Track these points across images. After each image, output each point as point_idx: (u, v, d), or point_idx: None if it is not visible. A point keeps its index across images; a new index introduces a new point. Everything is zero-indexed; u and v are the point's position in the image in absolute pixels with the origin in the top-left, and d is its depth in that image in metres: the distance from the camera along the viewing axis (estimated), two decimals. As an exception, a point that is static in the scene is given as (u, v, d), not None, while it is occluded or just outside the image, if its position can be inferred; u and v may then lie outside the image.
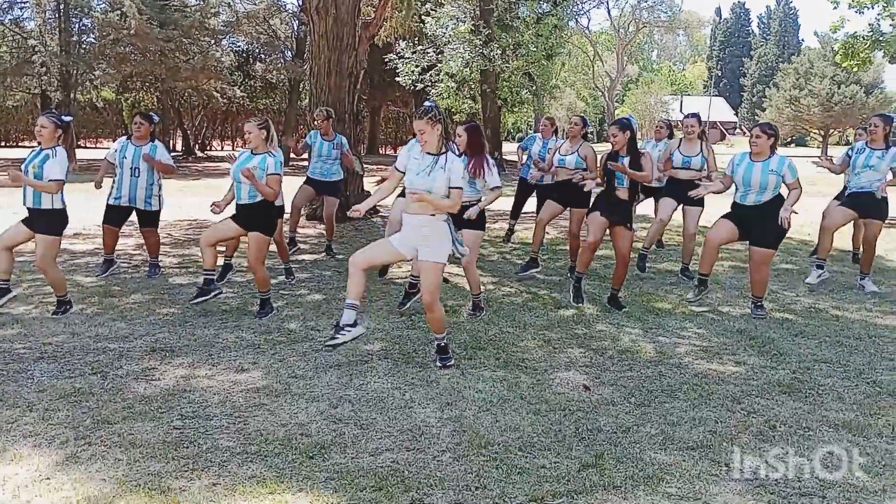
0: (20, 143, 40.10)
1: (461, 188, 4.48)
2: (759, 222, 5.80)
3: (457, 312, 5.98)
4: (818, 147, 48.62)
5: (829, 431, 3.72)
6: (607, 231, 6.11)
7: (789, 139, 63.45)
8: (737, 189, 5.95)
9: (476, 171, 5.80)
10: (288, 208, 7.66)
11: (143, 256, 7.92)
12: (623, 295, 6.34)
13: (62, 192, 5.71)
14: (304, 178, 8.59)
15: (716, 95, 77.88)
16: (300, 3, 27.56)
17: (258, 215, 5.65)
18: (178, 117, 33.97)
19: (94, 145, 39.73)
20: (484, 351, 4.99)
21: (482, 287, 6.21)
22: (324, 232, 8.86)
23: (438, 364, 4.63)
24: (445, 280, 7.01)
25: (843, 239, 8.51)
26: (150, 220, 7.25)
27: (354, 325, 4.54)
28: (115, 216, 7.15)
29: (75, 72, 24.93)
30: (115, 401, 3.99)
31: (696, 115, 7.49)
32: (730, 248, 8.00)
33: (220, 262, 6.61)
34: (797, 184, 5.77)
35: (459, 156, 4.74)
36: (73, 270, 7.37)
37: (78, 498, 2.95)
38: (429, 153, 4.49)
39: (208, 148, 38.99)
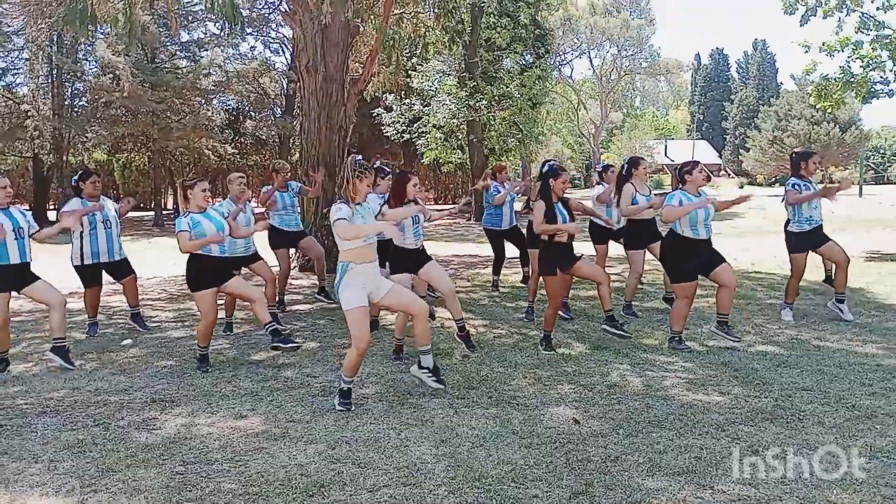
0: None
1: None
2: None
3: (449, 355, 6.12)
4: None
5: (810, 454, 3.86)
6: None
7: (774, 178, 64.46)
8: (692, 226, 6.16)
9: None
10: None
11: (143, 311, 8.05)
12: (608, 335, 6.47)
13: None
14: (272, 238, 8.29)
15: (699, 139, 79.34)
16: (289, 61, 28.27)
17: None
18: (169, 176, 34.36)
19: (85, 206, 40.01)
20: (476, 390, 5.13)
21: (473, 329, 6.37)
22: (318, 282, 8.98)
23: (432, 385, 4.96)
24: (441, 325, 7.19)
25: (817, 273, 8.70)
26: (128, 268, 7.35)
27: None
28: (96, 275, 7.22)
29: (68, 135, 25.37)
30: (118, 450, 4.10)
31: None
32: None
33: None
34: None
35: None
36: (71, 328, 7.47)
37: (87, 540, 3.06)
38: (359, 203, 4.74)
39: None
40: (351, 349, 4.72)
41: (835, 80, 13.56)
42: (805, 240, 7.16)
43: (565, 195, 6.22)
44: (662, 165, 75.28)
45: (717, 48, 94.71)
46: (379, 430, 4.36)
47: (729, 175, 78.45)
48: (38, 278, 5.90)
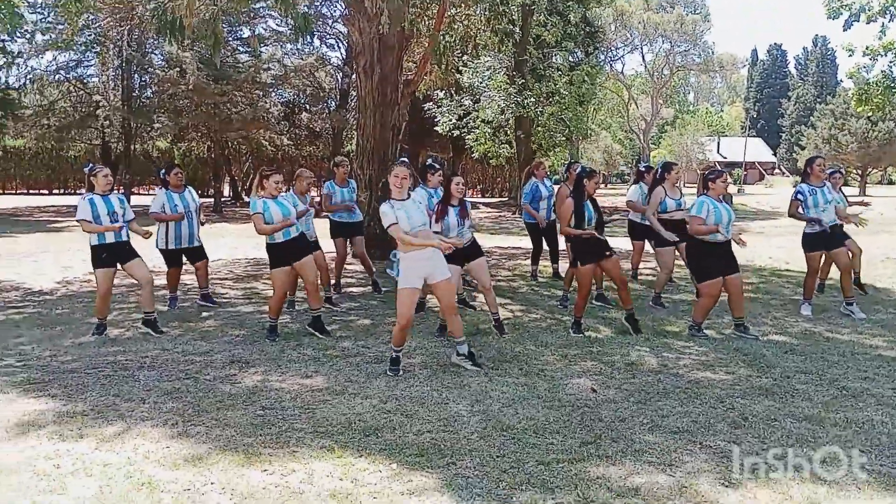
0: (77, 192, 42.44)
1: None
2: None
3: (487, 333, 6.85)
4: (857, 185, 48.56)
5: (792, 422, 4.49)
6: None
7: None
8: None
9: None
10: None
11: (212, 289, 8.99)
12: (640, 318, 7.13)
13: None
14: (330, 229, 9.04)
15: (753, 136, 78.09)
16: (344, 57, 29.22)
17: None
18: (226, 164, 35.75)
19: (147, 192, 41.80)
20: (509, 364, 5.85)
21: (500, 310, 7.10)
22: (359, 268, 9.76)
23: (469, 367, 5.63)
24: (482, 310, 7.91)
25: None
26: (201, 253, 8.25)
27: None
28: (178, 258, 8.17)
29: (136, 124, 26.78)
30: (208, 397, 4.95)
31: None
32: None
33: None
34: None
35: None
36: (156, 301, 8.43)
37: (194, 456, 3.90)
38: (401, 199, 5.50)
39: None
40: (396, 324, 5.52)
41: (876, 84, 13.81)
42: (817, 241, 7.66)
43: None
44: (714, 162, 74.57)
45: (774, 44, 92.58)
46: (423, 391, 5.12)
47: (784, 174, 77.25)
48: (136, 256, 6.83)
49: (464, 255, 6.73)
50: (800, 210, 7.64)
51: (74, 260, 12.51)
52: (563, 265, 9.20)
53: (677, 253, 8.16)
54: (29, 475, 3.69)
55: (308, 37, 13.15)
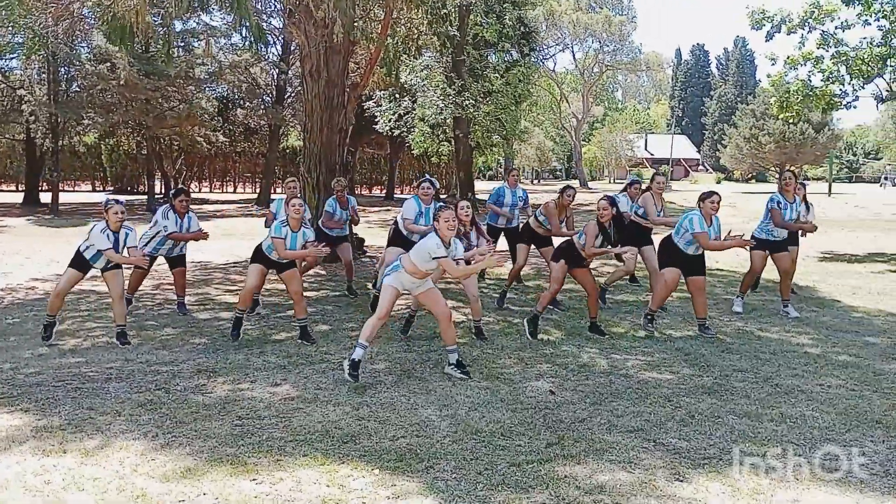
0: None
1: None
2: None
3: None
4: (775, 182, 51.00)
5: (733, 418, 4.93)
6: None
7: (750, 175, 66.12)
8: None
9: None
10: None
11: (164, 296, 8.99)
12: (584, 322, 7.57)
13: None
14: (317, 237, 9.48)
15: (678, 134, 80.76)
16: (280, 52, 28.95)
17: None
18: (158, 161, 34.95)
19: (72, 188, 40.43)
20: (470, 368, 6.12)
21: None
22: (320, 271, 9.99)
23: (458, 375, 5.88)
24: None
25: (772, 273, 9.79)
26: (181, 261, 8.41)
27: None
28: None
29: (63, 119, 25.92)
30: (182, 408, 5.07)
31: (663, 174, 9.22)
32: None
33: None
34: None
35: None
36: (107, 308, 8.39)
37: (182, 468, 4.04)
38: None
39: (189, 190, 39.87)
40: (373, 315, 5.83)
41: (795, 92, 14.68)
42: (764, 244, 8.27)
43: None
44: (642, 159, 76.80)
45: (697, 44, 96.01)
46: (392, 397, 5.36)
47: (707, 171, 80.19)
48: (119, 267, 6.92)
49: None
50: (784, 217, 8.17)
51: (11, 264, 12.22)
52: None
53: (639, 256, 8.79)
54: (21, 491, 3.77)
55: (262, 46, 13.03)
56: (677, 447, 4.44)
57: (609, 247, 7.17)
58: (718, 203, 7.30)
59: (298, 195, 8.93)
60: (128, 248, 6.73)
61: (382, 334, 7.21)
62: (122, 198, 7.16)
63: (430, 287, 5.97)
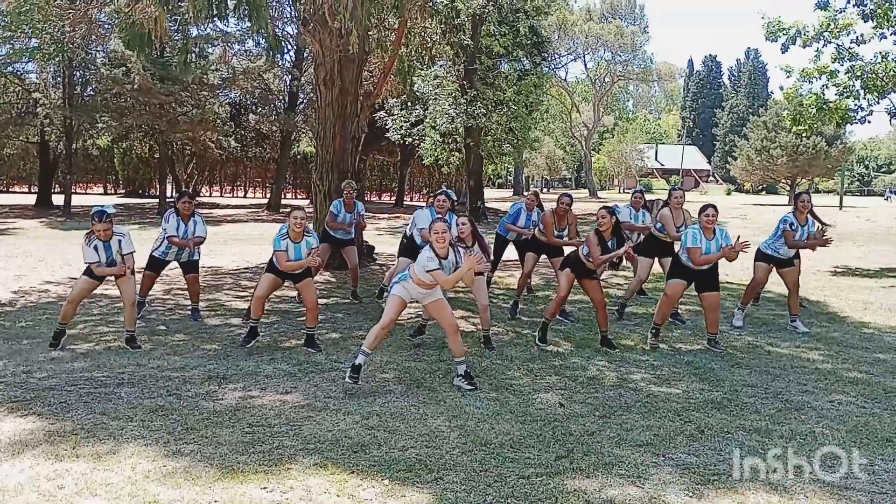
0: (10, 189, 41.07)
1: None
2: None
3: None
4: (787, 194, 50.80)
5: (743, 434, 4.92)
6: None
7: (760, 187, 65.86)
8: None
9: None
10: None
11: (175, 301, 9.05)
12: (594, 334, 7.57)
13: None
14: (322, 238, 9.46)
15: (689, 144, 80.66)
16: (293, 59, 29.13)
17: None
18: (170, 165, 35.17)
19: (84, 191, 40.74)
20: (479, 378, 6.13)
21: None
22: (330, 278, 10.04)
23: (465, 386, 5.88)
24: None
25: (780, 287, 9.76)
26: (194, 267, 8.40)
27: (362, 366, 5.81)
28: (159, 267, 8.36)
29: (77, 123, 26.14)
30: (193, 414, 5.10)
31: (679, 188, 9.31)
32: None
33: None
34: None
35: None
36: (119, 313, 8.44)
37: (193, 474, 4.07)
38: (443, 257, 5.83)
39: (199, 195, 40.13)
40: (377, 324, 5.85)
41: (809, 106, 14.65)
42: (771, 258, 8.29)
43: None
44: (652, 169, 76.70)
45: (710, 55, 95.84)
46: (402, 406, 5.38)
47: (717, 181, 79.96)
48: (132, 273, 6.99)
49: None
50: (796, 238, 8.20)
51: (24, 267, 12.32)
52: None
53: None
54: (35, 496, 3.80)
55: (279, 55, 13.14)
56: (687, 462, 4.44)
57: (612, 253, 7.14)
58: (713, 216, 7.23)
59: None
60: (122, 255, 6.77)
61: (391, 343, 7.25)
62: (111, 206, 7.02)
63: (439, 298, 5.99)
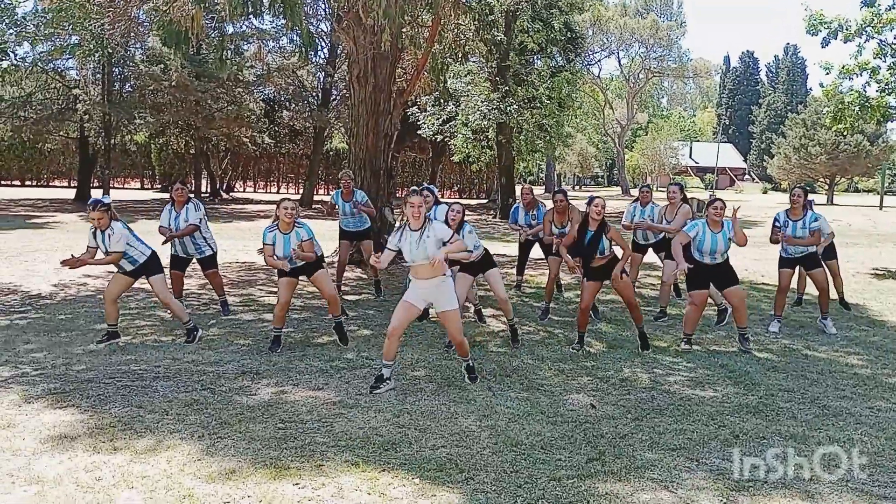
0: (51, 184, 41.95)
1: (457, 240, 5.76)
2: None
3: (484, 347, 7.14)
4: (825, 193, 49.83)
5: (779, 440, 4.84)
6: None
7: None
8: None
9: None
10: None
11: (210, 295, 9.17)
12: (626, 334, 7.50)
13: (142, 244, 7.00)
14: (340, 235, 9.77)
15: (725, 142, 79.39)
16: (327, 56, 29.29)
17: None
18: (205, 161, 35.64)
19: (121, 186, 41.46)
20: (510, 378, 6.14)
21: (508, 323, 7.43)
22: (362, 275, 10.08)
23: (468, 380, 5.94)
24: (478, 320, 8.21)
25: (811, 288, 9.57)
26: (209, 262, 8.44)
27: (388, 379, 5.75)
28: (179, 264, 8.39)
29: (116, 119, 26.62)
30: (227, 409, 5.17)
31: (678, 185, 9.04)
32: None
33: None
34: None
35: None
36: (155, 307, 8.59)
37: (227, 469, 4.13)
38: (413, 230, 5.68)
39: (233, 190, 40.63)
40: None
41: (850, 103, 14.33)
42: (790, 261, 8.16)
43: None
44: (687, 167, 75.71)
45: (747, 51, 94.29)
46: (432, 405, 5.39)
47: (753, 180, 78.71)
48: (161, 271, 7.14)
49: (479, 266, 7.25)
50: (787, 234, 8.10)
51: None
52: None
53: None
54: (73, 487, 3.89)
55: (313, 52, 13.24)
56: (721, 468, 4.38)
57: (568, 254, 7.12)
58: (721, 209, 7.12)
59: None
60: (107, 251, 6.82)
61: (422, 341, 7.27)
62: (108, 198, 7.10)
63: (453, 307, 5.82)
